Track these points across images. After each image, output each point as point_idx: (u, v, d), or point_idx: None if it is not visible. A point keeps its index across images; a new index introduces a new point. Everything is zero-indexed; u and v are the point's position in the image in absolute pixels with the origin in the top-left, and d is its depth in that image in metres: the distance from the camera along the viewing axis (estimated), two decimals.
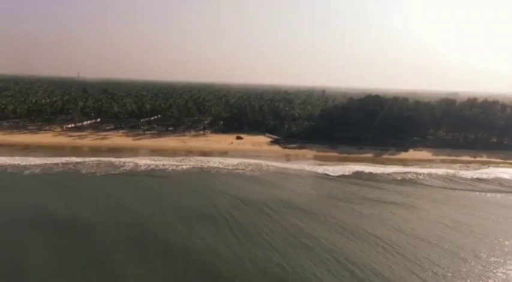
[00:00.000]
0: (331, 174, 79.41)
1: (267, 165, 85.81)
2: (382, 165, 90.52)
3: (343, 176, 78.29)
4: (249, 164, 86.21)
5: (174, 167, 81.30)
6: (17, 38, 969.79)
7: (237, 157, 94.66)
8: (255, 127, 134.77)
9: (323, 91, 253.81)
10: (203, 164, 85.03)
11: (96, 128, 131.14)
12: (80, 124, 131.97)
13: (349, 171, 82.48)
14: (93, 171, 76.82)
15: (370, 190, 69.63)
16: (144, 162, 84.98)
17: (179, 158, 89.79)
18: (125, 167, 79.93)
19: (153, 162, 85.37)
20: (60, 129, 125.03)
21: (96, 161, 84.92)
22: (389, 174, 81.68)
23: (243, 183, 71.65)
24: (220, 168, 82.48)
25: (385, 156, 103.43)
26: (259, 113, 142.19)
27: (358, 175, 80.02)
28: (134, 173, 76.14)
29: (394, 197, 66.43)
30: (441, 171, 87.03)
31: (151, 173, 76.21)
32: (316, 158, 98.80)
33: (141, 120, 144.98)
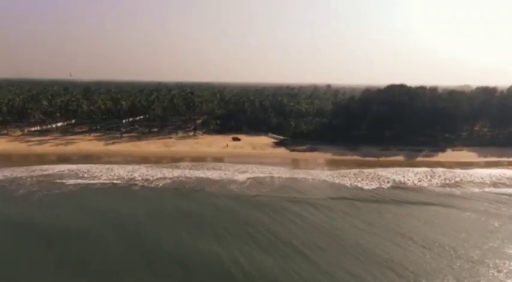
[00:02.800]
0: (365, 187, 57.75)
1: (272, 176, 64.29)
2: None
3: (381, 191, 56.45)
4: (249, 175, 64.70)
5: (146, 182, 59.81)
6: (10, 39, 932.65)
7: (233, 164, 73.45)
8: (256, 126, 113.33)
9: (328, 86, 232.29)
10: (187, 175, 63.51)
11: (65, 131, 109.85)
12: (46, 127, 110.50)
13: (385, 181, 60.91)
14: (34, 189, 55.40)
15: (439, 215, 48.06)
16: (107, 175, 63.64)
17: (157, 168, 68.37)
18: (77, 183, 58.50)
19: (120, 174, 64.05)
20: (20, 133, 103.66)
21: (43, 174, 63.65)
22: (441, 185, 60.01)
23: (240, 213, 49.81)
24: (210, 181, 60.94)
25: (419, 159, 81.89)
26: (260, 109, 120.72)
27: (400, 188, 58.40)
28: (87, 193, 54.73)
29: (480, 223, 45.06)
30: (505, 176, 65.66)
31: (109, 193, 54.75)
32: (333, 163, 77.36)
33: (123, 121, 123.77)
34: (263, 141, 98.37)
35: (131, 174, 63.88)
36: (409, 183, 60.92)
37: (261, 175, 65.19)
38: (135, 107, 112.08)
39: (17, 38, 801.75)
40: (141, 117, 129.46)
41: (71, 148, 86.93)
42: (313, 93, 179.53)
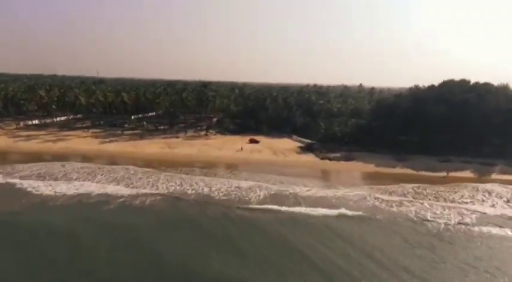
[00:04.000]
0: (439, 221, 38.94)
1: (296, 195, 47.09)
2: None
3: (473, 230, 37.47)
4: (267, 191, 47.82)
5: (128, 198, 44.45)
6: (40, 37, 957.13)
7: (247, 173, 57.27)
8: (278, 126, 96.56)
9: (360, 85, 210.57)
10: (185, 190, 47.72)
11: (64, 125, 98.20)
12: (44, 121, 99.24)
13: (466, 212, 41.83)
14: None
15: None
16: (83, 183, 49.16)
17: (149, 175, 53.16)
18: (37, 193, 44.23)
19: (100, 183, 49.45)
20: (14, 127, 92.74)
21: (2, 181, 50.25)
22: None
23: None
24: (214, 200, 44.81)
25: (494, 176, 61.35)
26: (284, 106, 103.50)
27: (501, 224, 39.07)
28: (40, 210, 40.12)
29: None
30: None
31: (71, 214, 39.72)
32: (378, 178, 58.72)
33: (132, 117, 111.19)
34: (286, 145, 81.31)
35: (113, 185, 48.99)
36: (499, 212, 41.38)
37: (283, 191, 48.25)
38: (139, 101, 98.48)
39: (48, 37, 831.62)
40: (153, 113, 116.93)
41: (59, 146, 73.98)
42: (344, 92, 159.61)
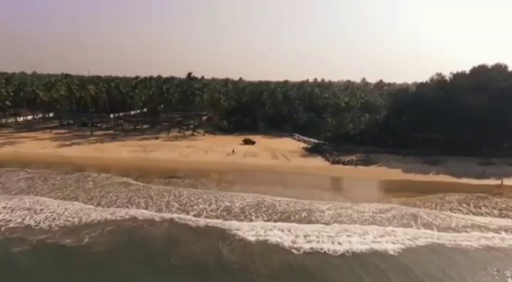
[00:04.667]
0: None
1: (311, 221, 32.90)
2: None
3: None
4: (266, 217, 33.60)
5: (55, 235, 29.97)
6: (28, 36, 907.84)
7: (240, 185, 43.12)
8: (277, 124, 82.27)
9: (363, 79, 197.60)
10: (152, 215, 33.40)
11: (26, 126, 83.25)
12: (5, 121, 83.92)
13: None
14: None
15: None
16: (14, 200, 34.61)
17: (104, 195, 38.72)
18: None
19: (32, 203, 34.92)
20: None
21: None
22: None
23: None
24: (189, 232, 30.58)
25: None
26: (284, 101, 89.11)
27: None
28: None
29: None
30: None
31: None
32: (410, 188, 44.43)
33: (111, 115, 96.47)
34: (287, 146, 67.12)
35: (46, 211, 34.45)
36: None
37: (292, 213, 34.12)
38: (111, 96, 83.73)
39: (36, 35, 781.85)
40: (137, 111, 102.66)
41: (3, 151, 59.07)
42: (349, 86, 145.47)
